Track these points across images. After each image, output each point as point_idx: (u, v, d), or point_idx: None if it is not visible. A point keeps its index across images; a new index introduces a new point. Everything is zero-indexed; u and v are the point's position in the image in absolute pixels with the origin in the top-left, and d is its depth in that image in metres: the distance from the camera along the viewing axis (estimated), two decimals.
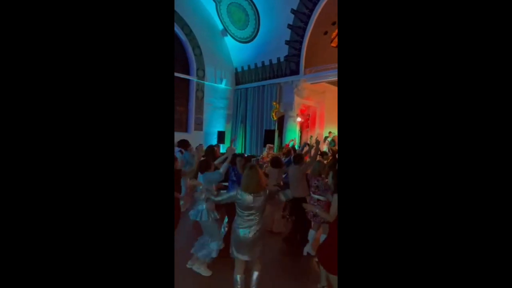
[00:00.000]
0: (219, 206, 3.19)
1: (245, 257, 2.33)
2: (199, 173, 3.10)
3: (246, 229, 2.28)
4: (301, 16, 8.11)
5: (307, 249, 3.59)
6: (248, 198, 2.23)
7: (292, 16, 8.22)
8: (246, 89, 10.31)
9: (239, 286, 2.40)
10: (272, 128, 9.11)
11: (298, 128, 9.37)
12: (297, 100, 8.83)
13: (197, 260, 3.05)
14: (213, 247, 2.99)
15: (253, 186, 2.24)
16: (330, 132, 8.74)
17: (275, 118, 9.15)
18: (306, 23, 8.11)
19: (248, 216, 2.28)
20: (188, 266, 3.08)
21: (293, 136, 8.93)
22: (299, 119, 9.09)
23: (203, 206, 2.96)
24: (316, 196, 3.44)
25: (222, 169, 2.96)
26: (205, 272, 2.99)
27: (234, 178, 3.56)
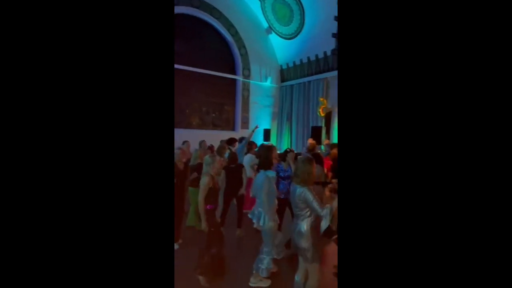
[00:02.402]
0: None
1: (300, 253, 2.23)
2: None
3: (296, 224, 2.21)
4: None
5: None
6: (297, 190, 2.14)
7: None
8: (292, 86, 10.19)
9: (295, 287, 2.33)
10: (319, 124, 8.86)
11: None
12: None
13: (255, 275, 2.78)
14: (268, 254, 2.74)
15: (304, 178, 2.14)
16: None
17: (322, 115, 8.87)
18: None
19: (298, 210, 2.19)
20: (250, 284, 2.76)
21: None
22: None
23: (262, 208, 2.64)
24: None
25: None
26: (264, 283, 2.74)
27: (281, 174, 3.54)
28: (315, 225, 2.16)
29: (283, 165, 3.58)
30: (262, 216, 2.63)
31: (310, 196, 2.09)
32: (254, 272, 2.81)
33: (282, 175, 3.53)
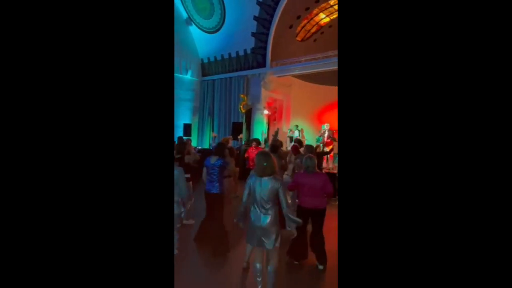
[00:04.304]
0: None
1: (258, 245, 2.33)
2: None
3: (260, 216, 2.28)
4: (267, 8, 8.04)
5: None
6: (270, 182, 2.25)
7: (258, 7, 8.13)
8: (213, 80, 10.11)
9: (258, 274, 2.39)
10: (240, 120, 9.09)
11: (265, 121, 9.45)
12: (264, 93, 8.86)
13: None
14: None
15: (269, 169, 2.28)
16: (297, 126, 8.94)
17: (243, 111, 9.12)
18: (272, 16, 8.07)
19: (263, 202, 2.28)
20: None
21: (261, 128, 9.00)
22: (266, 112, 9.16)
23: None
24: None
25: None
26: None
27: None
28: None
29: (212, 159, 3.41)
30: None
31: (283, 190, 2.26)
32: None
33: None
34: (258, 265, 2.42)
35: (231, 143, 6.19)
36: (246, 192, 2.35)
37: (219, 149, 3.45)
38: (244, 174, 5.95)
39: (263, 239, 2.29)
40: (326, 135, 8.04)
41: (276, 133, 8.17)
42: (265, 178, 2.26)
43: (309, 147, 4.45)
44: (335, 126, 10.01)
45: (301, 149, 5.22)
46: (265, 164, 2.28)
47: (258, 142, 6.00)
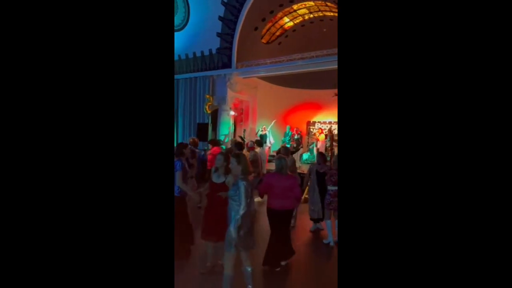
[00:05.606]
0: None
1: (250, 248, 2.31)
2: None
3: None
4: (232, 9, 8.04)
5: (329, 240, 3.72)
6: (247, 182, 2.22)
7: (223, 8, 8.09)
8: (178, 80, 9.80)
9: (231, 277, 2.24)
10: (206, 121, 8.93)
11: (232, 122, 9.41)
12: (230, 93, 8.81)
13: None
14: None
15: (248, 169, 2.33)
16: (264, 127, 9.04)
17: (208, 111, 8.97)
18: (237, 17, 8.09)
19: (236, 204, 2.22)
20: None
21: (227, 129, 8.94)
22: (232, 112, 9.12)
23: None
24: None
25: None
26: None
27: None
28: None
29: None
30: None
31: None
32: None
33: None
34: (231, 271, 2.28)
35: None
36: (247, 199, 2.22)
37: (176, 149, 3.41)
38: (204, 175, 5.83)
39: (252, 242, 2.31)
40: (295, 138, 8.30)
41: (244, 134, 8.20)
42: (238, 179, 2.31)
43: (286, 149, 4.61)
44: (302, 128, 10.34)
45: (257, 149, 5.36)
46: (246, 163, 2.32)
47: (215, 143, 6.05)
